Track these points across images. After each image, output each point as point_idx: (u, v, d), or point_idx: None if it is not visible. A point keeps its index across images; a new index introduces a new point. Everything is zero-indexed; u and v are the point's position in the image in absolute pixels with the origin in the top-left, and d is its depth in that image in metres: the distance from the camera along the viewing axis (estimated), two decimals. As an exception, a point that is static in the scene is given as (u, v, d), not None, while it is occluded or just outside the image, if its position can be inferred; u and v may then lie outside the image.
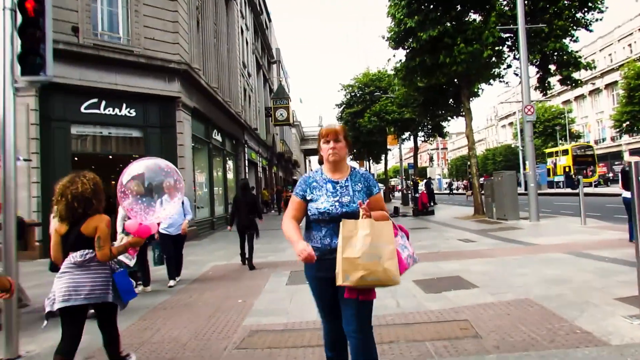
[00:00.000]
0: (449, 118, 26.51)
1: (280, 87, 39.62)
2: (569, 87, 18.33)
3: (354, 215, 2.55)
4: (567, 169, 37.75)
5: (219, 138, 20.25)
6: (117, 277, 3.32)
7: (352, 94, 40.32)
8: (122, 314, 4.01)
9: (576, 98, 58.36)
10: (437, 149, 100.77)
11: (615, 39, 51.45)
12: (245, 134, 26.54)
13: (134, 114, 13.63)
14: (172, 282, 7.34)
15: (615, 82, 49.34)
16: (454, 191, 55.34)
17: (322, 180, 2.74)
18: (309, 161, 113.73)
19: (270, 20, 46.60)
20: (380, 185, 9.07)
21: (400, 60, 18.16)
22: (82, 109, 12.63)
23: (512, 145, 51.44)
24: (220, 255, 10.68)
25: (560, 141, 55.61)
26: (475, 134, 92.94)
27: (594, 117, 55.91)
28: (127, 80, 13.08)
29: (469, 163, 18.58)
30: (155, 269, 7.63)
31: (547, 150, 46.04)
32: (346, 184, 2.71)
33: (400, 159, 34.18)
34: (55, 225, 3.30)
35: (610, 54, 52.87)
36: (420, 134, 30.82)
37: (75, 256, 3.20)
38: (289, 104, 37.85)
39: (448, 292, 5.71)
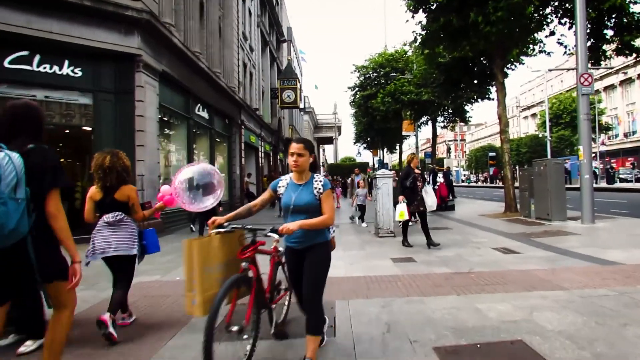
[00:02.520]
0: (472, 100, 23.18)
1: (288, 67, 36.47)
2: (631, 57, 14.86)
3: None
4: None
5: (204, 114, 17.30)
6: (147, 233, 4.40)
7: (366, 75, 37.12)
8: None
9: (605, 88, 54.18)
10: (456, 140, 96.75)
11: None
12: (243, 114, 23.57)
13: (79, 74, 10.75)
14: None
15: (651, 71, 45.39)
16: (474, 184, 51.95)
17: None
18: (323, 150, 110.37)
19: (281, -4, 43.40)
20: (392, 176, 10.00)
21: (420, 22, 14.92)
22: (6, 64, 9.79)
23: (540, 135, 47.57)
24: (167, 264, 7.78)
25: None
26: (495, 125, 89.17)
27: (624, 109, 51.74)
28: (67, 28, 10.16)
29: (500, 149, 15.30)
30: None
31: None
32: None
33: (417, 147, 30.90)
34: (91, 193, 4.13)
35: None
36: (440, 119, 27.47)
37: (108, 217, 4.08)
38: (297, 85, 34.75)
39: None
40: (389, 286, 5.47)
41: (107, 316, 3.72)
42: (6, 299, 2.56)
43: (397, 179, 11.22)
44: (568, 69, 33.49)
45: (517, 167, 26.58)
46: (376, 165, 63.30)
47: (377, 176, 10.45)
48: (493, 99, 23.57)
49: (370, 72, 36.89)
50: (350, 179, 15.05)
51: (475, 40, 13.76)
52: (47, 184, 2.56)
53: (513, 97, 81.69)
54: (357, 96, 38.58)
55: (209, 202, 4.31)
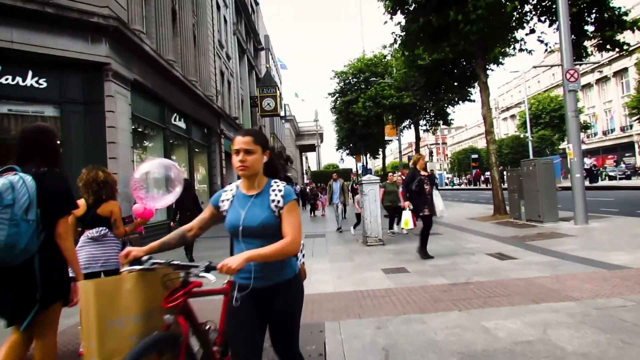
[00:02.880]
0: (454, 102, 23.03)
1: (267, 74, 35.98)
2: (612, 52, 14.76)
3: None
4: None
5: (181, 124, 16.70)
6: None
7: (346, 81, 36.90)
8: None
9: (583, 87, 54.91)
10: (437, 143, 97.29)
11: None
12: (222, 123, 22.98)
13: (44, 84, 10.09)
14: None
15: (625, 70, 46.09)
16: (457, 186, 51.97)
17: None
18: (306, 158, 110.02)
19: (257, 4, 43.01)
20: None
21: (399, 23, 14.61)
22: (-37, 76, 9.15)
23: (521, 136, 47.84)
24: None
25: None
26: (475, 127, 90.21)
27: (601, 107, 52.45)
28: (29, 37, 9.52)
29: (486, 150, 14.99)
30: None
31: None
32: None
33: (400, 152, 30.68)
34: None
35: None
36: (422, 122, 27.26)
37: (92, 232, 4.01)
38: (277, 93, 34.28)
39: None
40: (383, 302, 5.00)
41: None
42: (17, 318, 2.55)
43: (401, 182, 10.82)
44: (552, 65, 33.55)
45: (505, 168, 26.46)
46: (359, 171, 63.19)
47: (363, 182, 10.00)
48: (474, 101, 23.52)
49: (350, 78, 36.67)
50: (328, 185, 15.06)
51: (456, 40, 13.53)
52: (60, 208, 2.67)
53: (492, 99, 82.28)
54: (338, 102, 38.30)
55: (169, 199, 4.21)
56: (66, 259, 2.71)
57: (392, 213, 12.05)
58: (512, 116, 75.30)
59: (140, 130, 13.27)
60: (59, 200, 2.67)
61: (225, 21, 27.58)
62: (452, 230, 11.60)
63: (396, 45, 15.58)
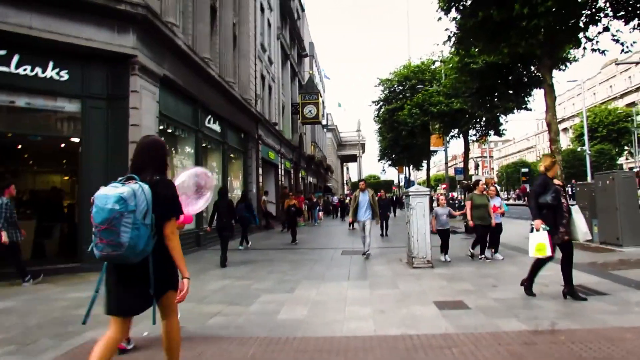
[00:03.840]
0: (509, 111, 21.21)
1: (309, 81, 35.08)
2: None
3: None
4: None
5: (215, 127, 15.84)
6: None
7: (391, 88, 35.53)
8: None
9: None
10: (484, 156, 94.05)
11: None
12: (260, 128, 22.09)
13: (65, 77, 9.35)
14: None
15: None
16: (505, 201, 49.27)
17: None
18: (347, 168, 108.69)
19: (303, 10, 42.36)
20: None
21: (455, 19, 13.19)
22: (-22, 65, 8.49)
23: (578, 149, 44.84)
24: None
25: (627, 147, 48.78)
26: (523, 140, 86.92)
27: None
28: (50, 24, 8.77)
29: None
30: None
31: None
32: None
33: (446, 163, 28.90)
34: None
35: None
36: (471, 132, 25.46)
37: None
38: (319, 100, 33.32)
39: None
40: (443, 358, 3.67)
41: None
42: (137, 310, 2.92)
43: (521, 193, 9.10)
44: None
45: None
46: (401, 183, 61.23)
47: (410, 194, 8.63)
48: (531, 109, 21.68)
49: (395, 85, 35.29)
50: (353, 196, 11.41)
51: (516, 39, 12.05)
52: (169, 212, 2.97)
53: (541, 112, 78.59)
54: (382, 110, 36.94)
55: (200, 204, 4.46)
56: (173, 257, 2.97)
57: (483, 234, 9.45)
58: (564, 129, 71.53)
59: (170, 131, 12.43)
60: (168, 206, 2.96)
61: (269, 25, 26.88)
62: (513, 253, 10.03)
63: (450, 44, 14.13)
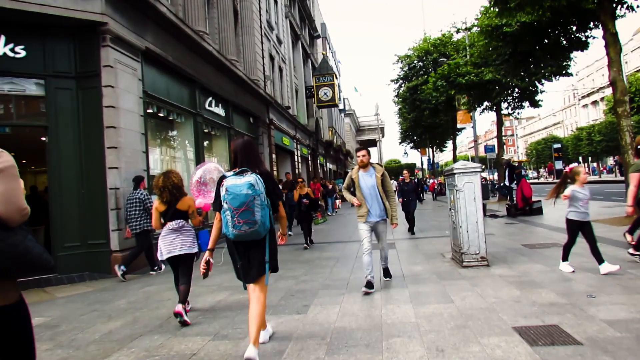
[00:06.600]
0: (547, 76, 18.84)
1: (323, 61, 32.97)
2: None
3: None
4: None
5: (218, 111, 14.07)
6: (202, 234, 6.16)
7: (411, 65, 33.25)
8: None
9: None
10: (512, 134, 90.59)
11: None
12: (272, 112, 20.27)
13: (22, 53, 7.71)
14: None
15: None
16: (535, 180, 46.57)
17: None
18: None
19: (313, -10, 40.14)
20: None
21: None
22: None
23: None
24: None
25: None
26: (550, 116, 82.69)
27: None
28: (-6, -12, 7.13)
29: (618, 128, 10.96)
30: None
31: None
32: None
33: (475, 140, 26.65)
34: (156, 205, 4.96)
35: None
36: (504, 105, 23.10)
37: (172, 224, 4.88)
38: (334, 82, 31.27)
39: None
40: None
41: (180, 307, 4.56)
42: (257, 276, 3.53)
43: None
44: None
45: (599, 159, 21.86)
46: (424, 166, 58.75)
47: (455, 171, 6.67)
48: (572, 74, 19.28)
49: (415, 61, 32.97)
50: (348, 176, 6.10)
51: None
52: (277, 197, 3.62)
53: (570, 84, 74.49)
54: (402, 89, 34.71)
55: (212, 195, 4.74)
56: (280, 225, 3.96)
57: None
58: (594, 102, 67.73)
59: (161, 115, 10.73)
60: (276, 191, 3.63)
61: (276, 1, 24.91)
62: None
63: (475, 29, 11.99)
